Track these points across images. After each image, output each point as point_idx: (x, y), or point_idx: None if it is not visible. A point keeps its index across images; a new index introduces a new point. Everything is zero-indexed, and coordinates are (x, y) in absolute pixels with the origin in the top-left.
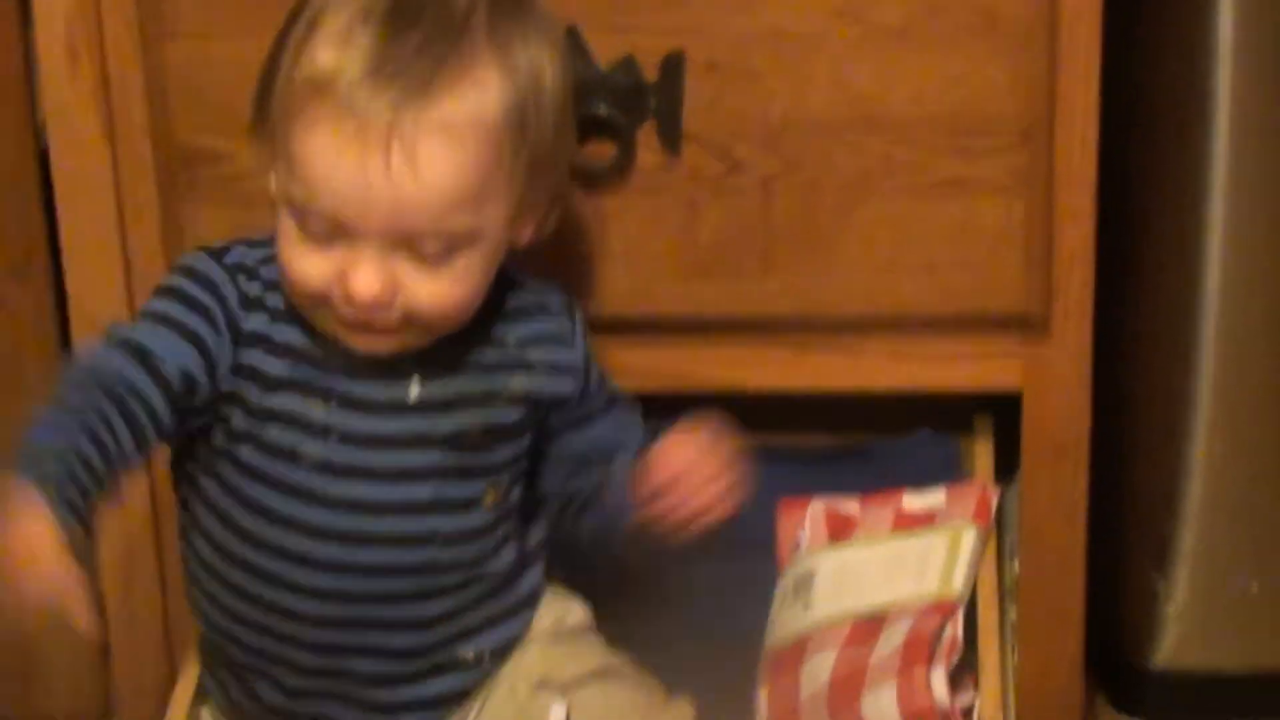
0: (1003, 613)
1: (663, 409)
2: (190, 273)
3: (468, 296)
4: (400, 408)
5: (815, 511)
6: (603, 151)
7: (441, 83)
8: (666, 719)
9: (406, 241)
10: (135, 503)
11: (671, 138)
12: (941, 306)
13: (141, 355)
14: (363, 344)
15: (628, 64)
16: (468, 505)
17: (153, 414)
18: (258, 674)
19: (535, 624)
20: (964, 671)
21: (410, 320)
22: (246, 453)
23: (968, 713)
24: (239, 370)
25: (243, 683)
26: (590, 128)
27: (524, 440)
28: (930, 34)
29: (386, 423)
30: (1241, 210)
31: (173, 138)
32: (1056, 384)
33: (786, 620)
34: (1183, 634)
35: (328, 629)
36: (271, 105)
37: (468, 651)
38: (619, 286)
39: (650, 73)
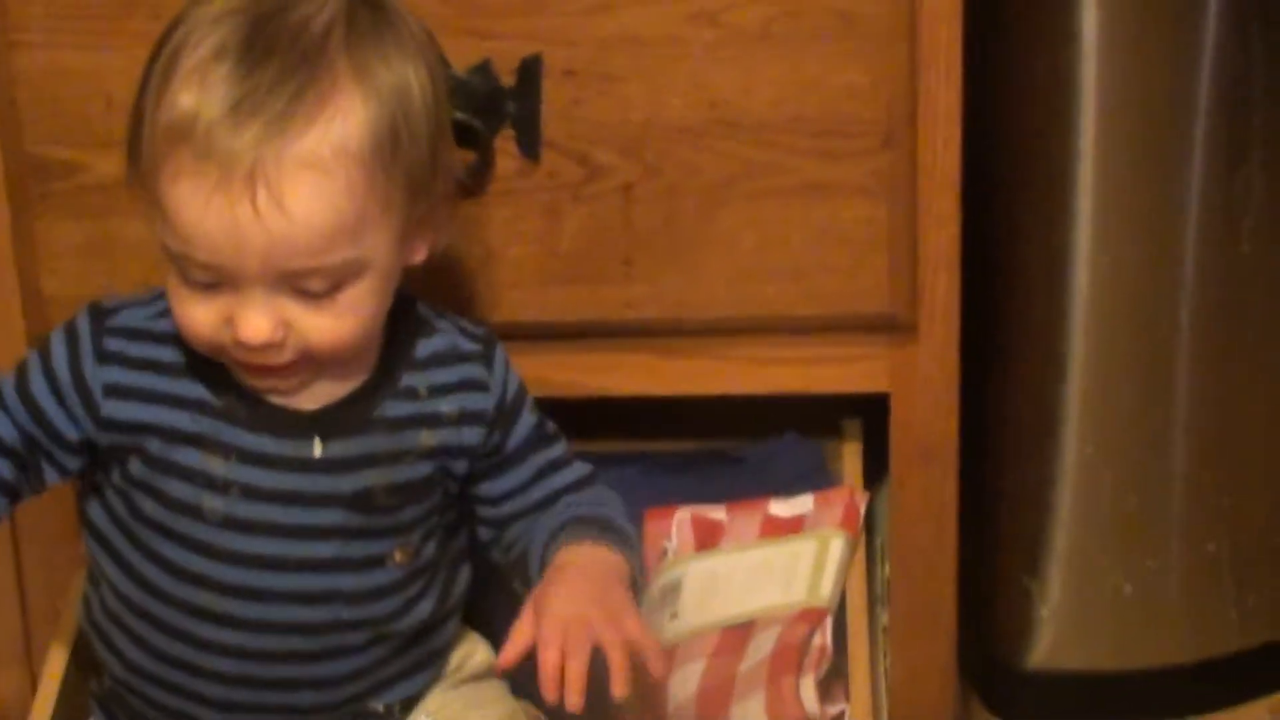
0: (873, 618)
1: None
2: (61, 337)
3: (362, 326)
4: (304, 465)
5: (682, 519)
6: (462, 158)
7: (301, 117)
8: None
9: (289, 281)
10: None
11: (530, 143)
12: (807, 309)
13: None
14: (265, 387)
15: (484, 69)
16: (373, 563)
17: None
18: None
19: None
20: (834, 680)
21: (307, 357)
22: (149, 507)
23: None
24: (110, 425)
25: None
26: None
27: (435, 497)
28: (788, 36)
29: (289, 479)
30: (1109, 211)
31: (22, 148)
32: (924, 386)
33: (653, 629)
34: (1056, 635)
35: (232, 686)
36: (141, 152)
37: (377, 705)
38: (482, 294)
39: (507, 78)
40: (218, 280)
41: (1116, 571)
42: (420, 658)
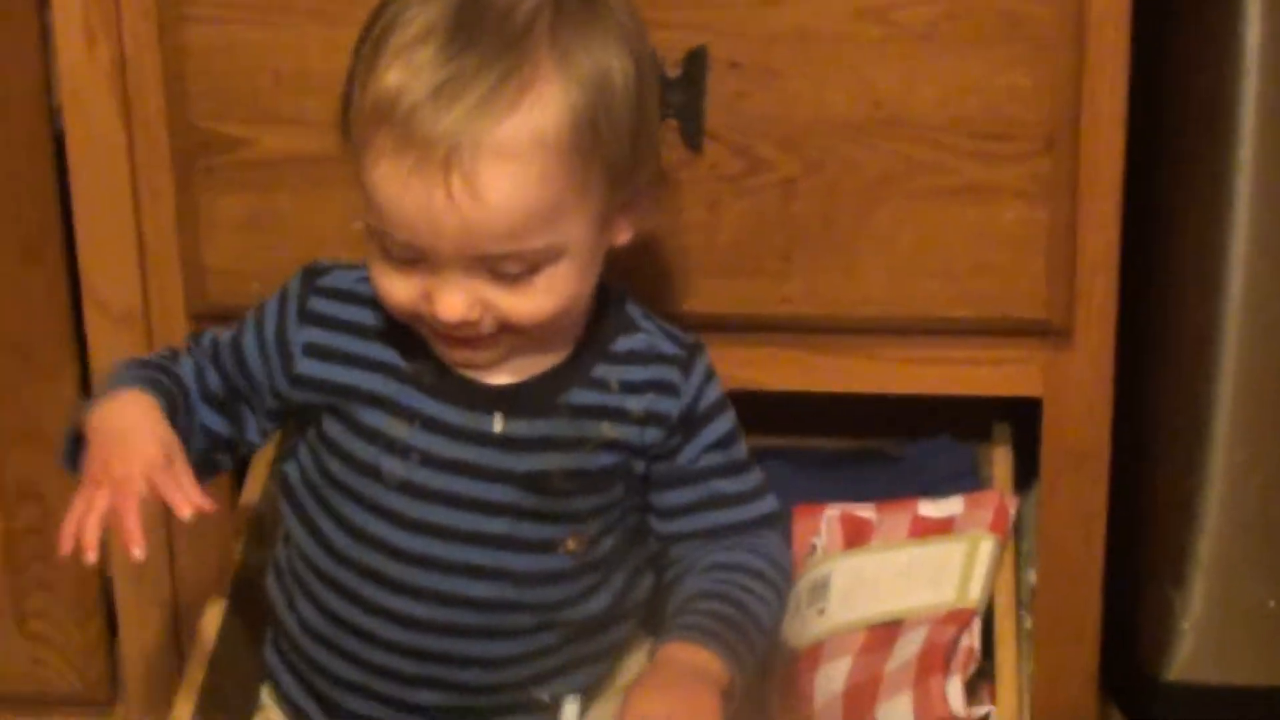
0: (1019, 622)
1: None
2: (276, 295)
3: (560, 306)
4: (483, 439)
5: (831, 517)
6: None
7: (501, 104)
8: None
9: (485, 263)
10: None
11: (693, 135)
12: (962, 311)
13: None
14: (460, 359)
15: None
16: (545, 547)
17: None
18: (329, 694)
19: (622, 674)
20: (980, 682)
21: (506, 330)
22: (335, 467)
23: None
24: (303, 383)
25: (309, 688)
26: None
27: (614, 491)
28: (955, 37)
29: (467, 450)
30: (1266, 220)
31: (190, 123)
32: (1077, 392)
33: (801, 624)
34: (1197, 647)
35: (402, 656)
36: (350, 126)
37: (543, 694)
38: (642, 284)
39: (673, 69)
40: (416, 257)
41: (1261, 585)
42: (589, 652)
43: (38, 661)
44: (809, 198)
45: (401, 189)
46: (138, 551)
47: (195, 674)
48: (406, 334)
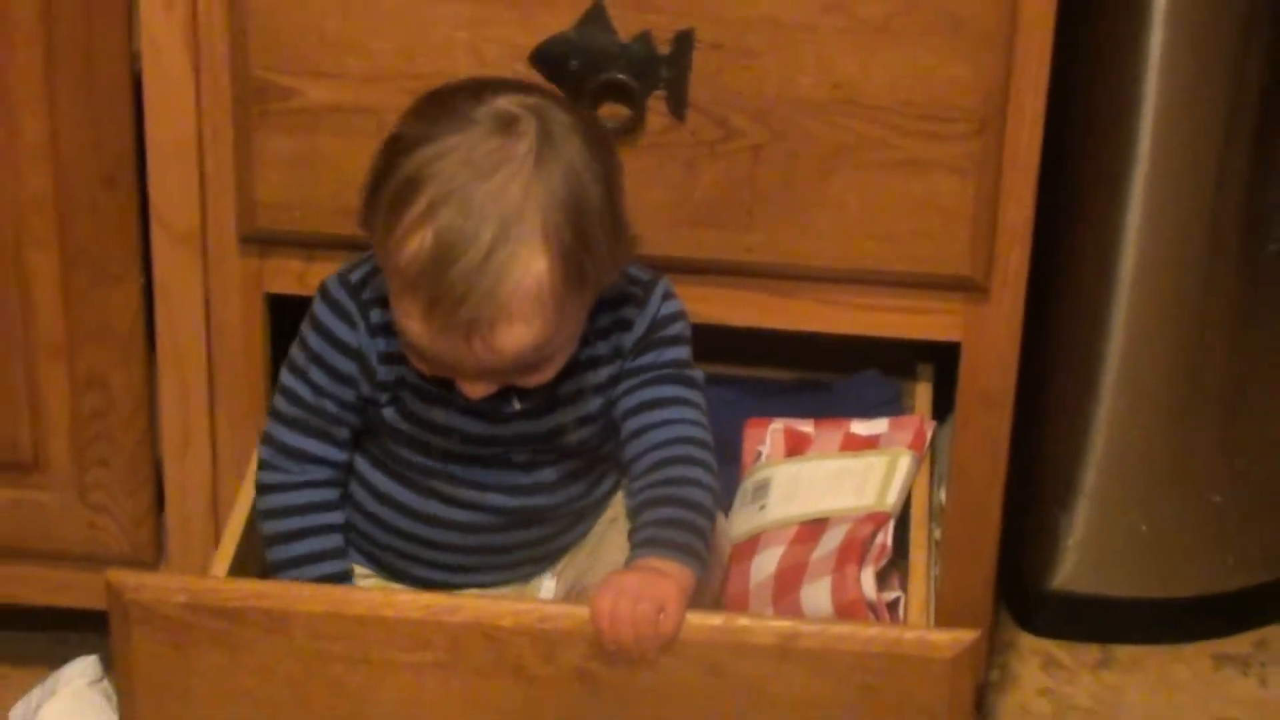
0: (929, 531)
1: None
2: (330, 338)
3: (562, 366)
4: (506, 417)
5: (776, 429)
6: (618, 113)
7: (506, 285)
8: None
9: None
10: (194, 375)
11: (678, 105)
12: (898, 266)
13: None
14: (476, 393)
15: (645, 38)
16: (562, 468)
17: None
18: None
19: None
20: (890, 573)
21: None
22: (391, 445)
23: (893, 606)
24: (381, 386)
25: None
26: (609, 91)
27: (608, 419)
28: (906, 30)
29: (494, 426)
30: (1157, 205)
31: (249, 72)
32: (991, 340)
33: (744, 518)
34: (1078, 563)
35: (448, 552)
36: (376, 226)
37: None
38: None
39: (663, 47)
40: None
41: (1135, 511)
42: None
43: (95, 527)
44: (773, 163)
45: (432, 339)
46: None
47: (229, 542)
48: None
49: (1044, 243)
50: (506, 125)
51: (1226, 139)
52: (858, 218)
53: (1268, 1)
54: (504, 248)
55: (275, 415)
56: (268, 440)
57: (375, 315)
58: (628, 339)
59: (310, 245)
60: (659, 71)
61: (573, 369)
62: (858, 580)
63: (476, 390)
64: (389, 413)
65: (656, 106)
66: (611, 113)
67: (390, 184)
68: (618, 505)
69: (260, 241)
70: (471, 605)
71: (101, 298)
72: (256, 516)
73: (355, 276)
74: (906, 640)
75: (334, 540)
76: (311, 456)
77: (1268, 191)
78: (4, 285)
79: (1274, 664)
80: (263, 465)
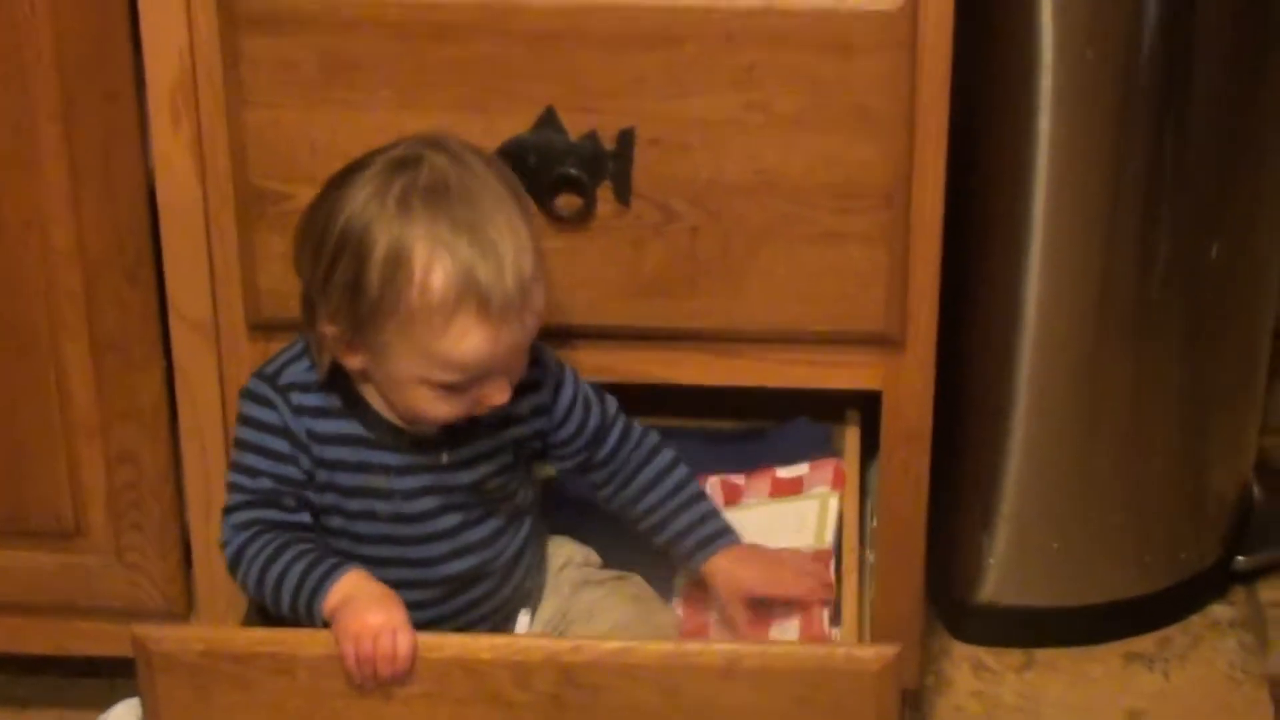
0: (863, 558)
1: (614, 392)
2: (256, 424)
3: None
4: (438, 469)
5: (713, 483)
6: (572, 203)
7: (520, 246)
8: (659, 614)
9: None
10: (213, 447)
11: (623, 193)
12: (822, 326)
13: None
14: (502, 399)
15: (592, 137)
16: (493, 516)
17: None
18: None
19: (555, 587)
20: (835, 610)
21: None
22: (338, 519)
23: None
24: (320, 463)
25: None
26: (562, 184)
27: (523, 464)
28: (818, 122)
29: (428, 478)
30: (1053, 259)
31: (248, 181)
32: (908, 386)
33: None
34: (1000, 578)
35: (415, 607)
36: (371, 327)
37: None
38: (582, 304)
39: (609, 144)
40: (475, 381)
41: (1048, 533)
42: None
43: (133, 585)
44: (710, 240)
45: (494, 342)
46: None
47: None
48: (360, 408)
49: (954, 292)
50: (411, 162)
51: (1114, 197)
52: (785, 285)
53: (1146, 83)
54: (501, 221)
55: (225, 512)
56: (225, 536)
57: (295, 397)
58: (538, 398)
59: None
60: (606, 165)
61: (494, 424)
62: (822, 618)
63: (502, 395)
64: (330, 494)
65: (605, 195)
66: (566, 203)
67: (372, 259)
68: (565, 552)
69: (265, 327)
70: (453, 642)
71: (129, 382)
72: (251, 596)
73: (270, 369)
74: (837, 655)
75: (317, 549)
76: (265, 521)
77: (1157, 242)
78: (43, 373)
79: (1176, 659)
80: (229, 555)
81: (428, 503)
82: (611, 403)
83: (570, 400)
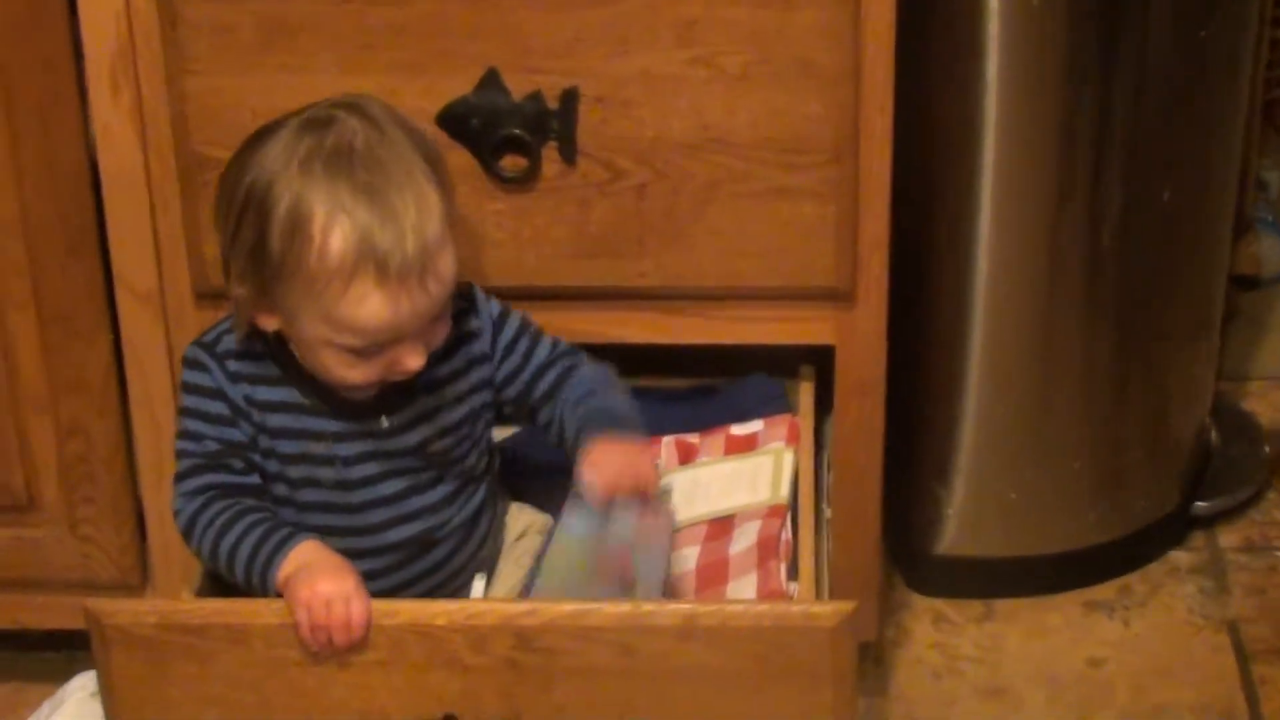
0: (819, 512)
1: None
2: (195, 389)
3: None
4: (377, 434)
5: (667, 442)
6: (517, 163)
7: (425, 214)
8: None
9: (431, 318)
10: (163, 417)
11: (569, 153)
12: (773, 281)
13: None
14: (374, 392)
15: (535, 97)
16: (441, 480)
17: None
18: None
19: (511, 550)
20: (792, 564)
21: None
22: (282, 490)
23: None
24: (259, 428)
25: None
26: (508, 145)
27: (472, 424)
28: (763, 78)
29: (369, 444)
30: (1004, 209)
31: (190, 149)
32: (861, 340)
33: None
34: (958, 530)
35: (368, 577)
36: (276, 288)
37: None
38: (529, 265)
39: (552, 103)
40: (385, 346)
41: (1005, 483)
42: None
43: (86, 557)
44: (657, 198)
45: (393, 307)
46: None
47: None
48: (295, 374)
49: (907, 247)
50: (323, 122)
51: (1065, 143)
52: (734, 241)
53: (1094, 27)
54: (408, 188)
55: (176, 480)
56: (177, 505)
57: (232, 365)
58: (477, 347)
59: None
60: (550, 125)
61: (431, 385)
62: (779, 573)
63: (416, 360)
64: (272, 460)
65: (550, 155)
66: (512, 164)
67: (274, 216)
68: (524, 519)
69: (212, 296)
70: (407, 608)
71: (77, 354)
72: (202, 559)
73: (208, 337)
74: (793, 613)
75: (269, 519)
76: (216, 485)
77: (1109, 187)
78: None
79: (1136, 607)
80: (182, 524)
81: (370, 468)
82: (563, 344)
83: (513, 337)
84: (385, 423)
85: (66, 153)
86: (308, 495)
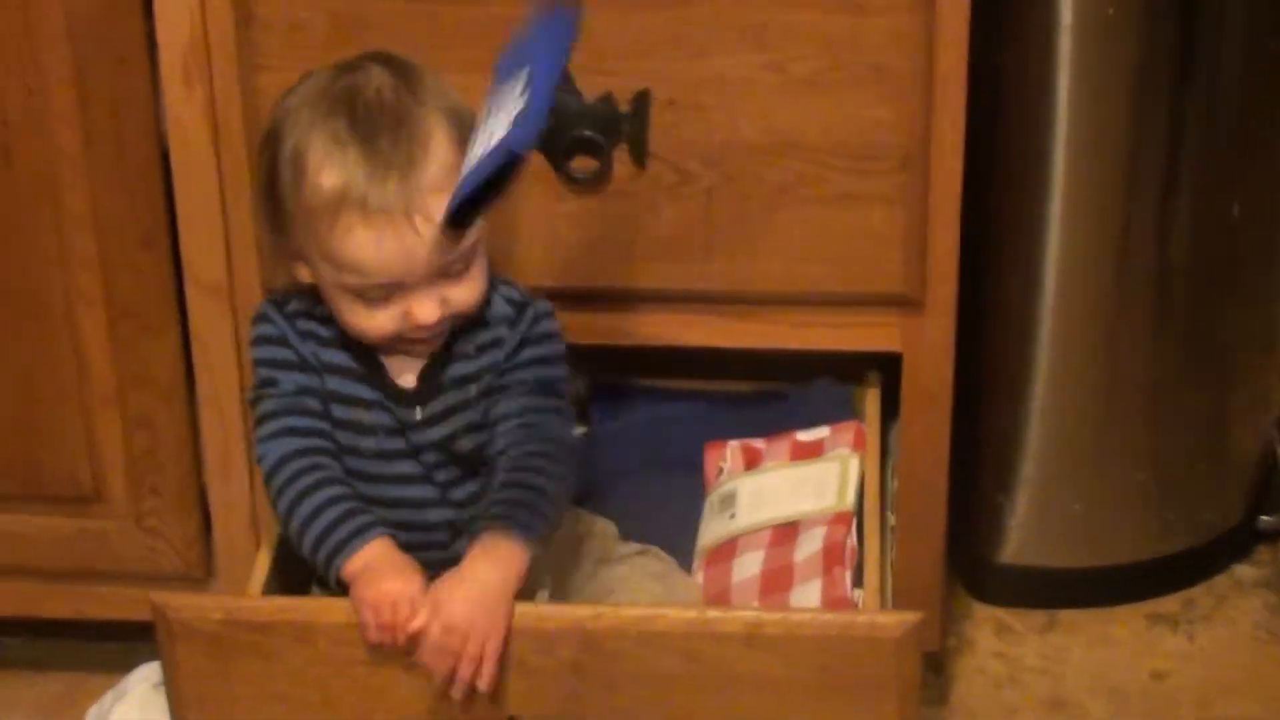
0: (884, 520)
1: (633, 356)
2: (265, 340)
3: (486, 283)
4: (412, 425)
5: (733, 447)
6: (588, 165)
7: (419, 158)
8: (682, 588)
9: (442, 271)
10: (231, 411)
11: (639, 155)
12: (840, 287)
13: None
14: (417, 350)
15: (607, 99)
16: (463, 463)
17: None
18: None
19: (584, 563)
20: (858, 572)
21: (453, 318)
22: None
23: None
24: (323, 391)
25: None
26: (578, 146)
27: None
28: (835, 83)
29: (404, 426)
30: (1073, 220)
31: None
32: (928, 348)
33: (716, 526)
34: (1022, 539)
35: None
36: (288, 227)
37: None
38: (600, 266)
39: (624, 106)
40: (391, 292)
41: (1069, 493)
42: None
43: (152, 549)
44: (726, 202)
45: (379, 246)
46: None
47: (263, 558)
48: (349, 342)
49: (974, 255)
50: (352, 68)
51: (1134, 157)
52: (802, 246)
53: (1167, 40)
54: (404, 129)
55: (256, 424)
56: (260, 451)
57: (301, 323)
58: (498, 355)
59: None
60: (621, 127)
61: (456, 383)
62: (845, 582)
63: (427, 312)
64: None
65: (621, 158)
66: (582, 165)
67: (282, 156)
68: (582, 524)
69: (281, 290)
70: None
71: (145, 348)
72: (274, 510)
73: (280, 297)
74: (858, 623)
75: (349, 497)
76: (295, 429)
77: (1178, 201)
78: (59, 341)
79: (1201, 621)
80: (265, 470)
81: (403, 451)
82: (567, 385)
83: (546, 332)
84: (419, 414)
85: (138, 147)
86: (351, 463)
